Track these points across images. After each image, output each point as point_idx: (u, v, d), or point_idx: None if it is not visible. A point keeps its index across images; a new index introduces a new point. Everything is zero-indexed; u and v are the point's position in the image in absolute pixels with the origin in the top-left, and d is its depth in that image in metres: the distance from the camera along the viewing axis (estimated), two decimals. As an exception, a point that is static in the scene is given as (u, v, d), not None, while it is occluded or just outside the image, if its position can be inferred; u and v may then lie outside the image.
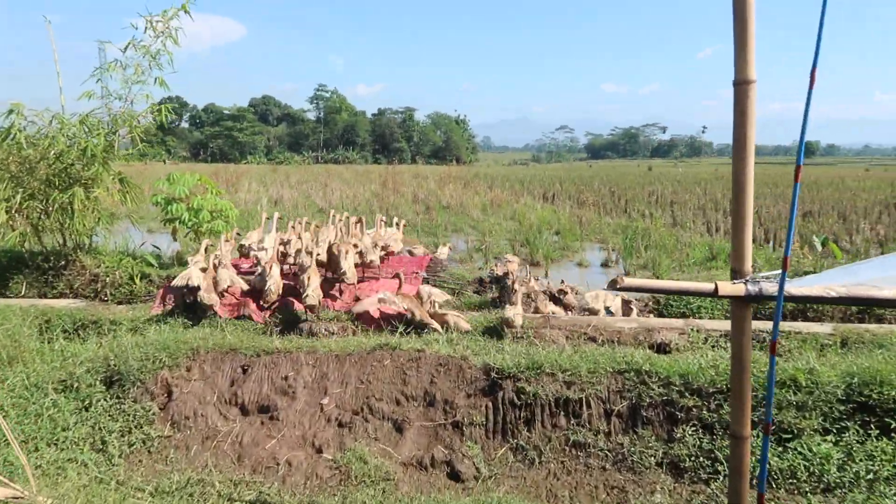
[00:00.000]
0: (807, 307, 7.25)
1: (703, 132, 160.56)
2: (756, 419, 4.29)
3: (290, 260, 6.93)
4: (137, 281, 8.79)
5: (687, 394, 4.54)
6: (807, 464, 4.14)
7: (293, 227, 8.19)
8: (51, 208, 8.61)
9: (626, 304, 8.04)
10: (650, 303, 7.95)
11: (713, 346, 5.72)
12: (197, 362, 5.25)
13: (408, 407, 4.82)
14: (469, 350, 5.25)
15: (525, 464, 4.47)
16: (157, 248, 10.45)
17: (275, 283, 6.12)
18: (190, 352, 5.30)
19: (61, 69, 9.49)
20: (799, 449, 4.21)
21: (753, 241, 14.71)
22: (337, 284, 6.59)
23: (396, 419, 4.75)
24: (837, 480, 4.02)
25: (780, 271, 2.97)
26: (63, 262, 8.92)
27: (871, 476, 3.99)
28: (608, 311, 7.18)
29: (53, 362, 5.33)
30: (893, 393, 4.32)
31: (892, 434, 4.22)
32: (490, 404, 4.73)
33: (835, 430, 4.30)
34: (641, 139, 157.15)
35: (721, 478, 4.13)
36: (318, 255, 6.41)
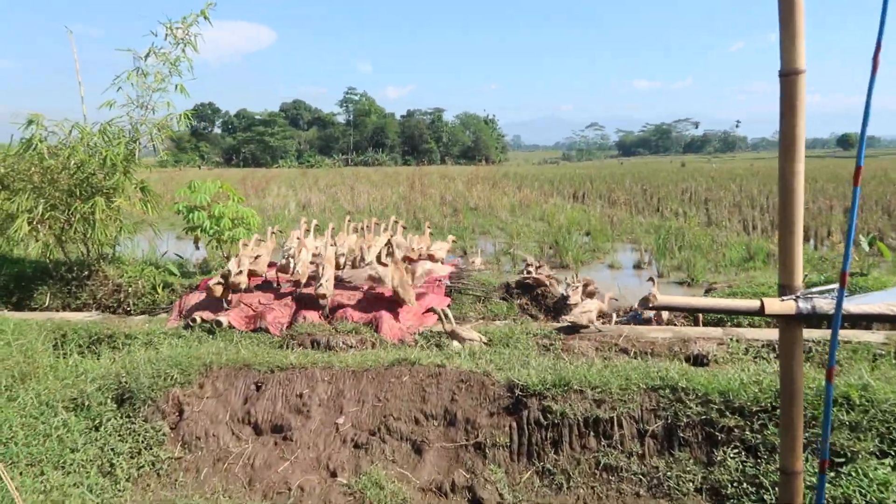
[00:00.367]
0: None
1: (736, 127, 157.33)
2: (806, 440, 3.91)
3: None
4: (160, 291, 8.71)
5: (728, 413, 4.18)
6: (862, 491, 3.76)
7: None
8: (73, 218, 8.57)
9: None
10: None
11: (755, 358, 5.35)
12: (210, 379, 5.06)
13: (427, 426, 4.55)
14: (492, 365, 4.96)
15: (552, 489, 4.17)
16: (180, 256, 10.38)
17: (302, 265, 5.98)
18: (203, 368, 5.11)
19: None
20: (853, 475, 3.82)
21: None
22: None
23: (415, 440, 4.49)
24: (898, 510, 3.64)
25: (834, 285, 2.63)
26: (86, 273, 8.89)
27: (937, 506, 3.60)
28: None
29: (66, 379, 5.19)
30: (960, 412, 3.91)
31: (960, 458, 3.82)
32: (514, 424, 4.43)
33: (893, 454, 3.91)
34: (674, 135, 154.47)
35: (768, 506, 3.78)
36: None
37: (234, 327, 6.07)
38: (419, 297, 6.26)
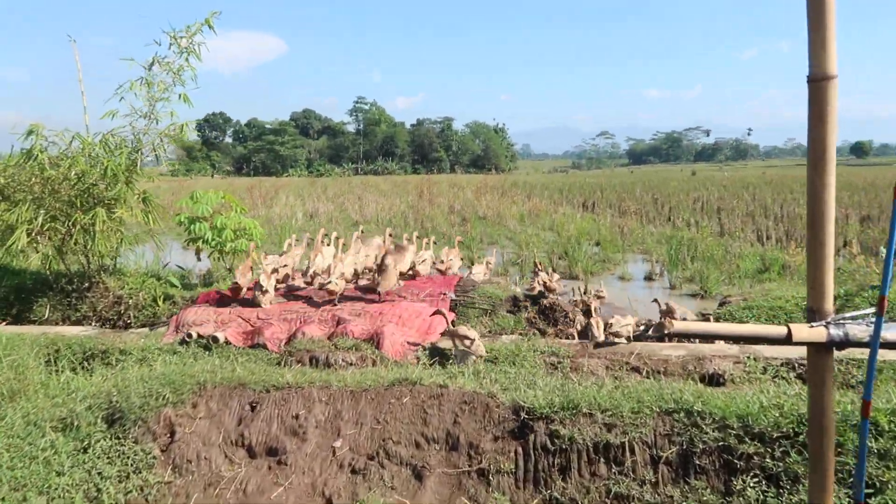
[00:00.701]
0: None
1: (748, 135, 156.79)
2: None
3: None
4: (161, 303, 8.55)
5: (747, 438, 3.93)
6: (894, 525, 3.50)
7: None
8: (73, 230, 8.44)
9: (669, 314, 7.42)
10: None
11: (774, 378, 5.09)
12: (203, 398, 4.86)
13: (428, 451, 4.33)
14: (497, 385, 4.73)
15: (560, 519, 3.93)
16: (182, 267, 10.23)
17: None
18: (196, 386, 4.92)
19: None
20: (884, 507, 3.57)
21: (803, 248, 13.78)
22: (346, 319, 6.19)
23: (416, 465, 4.26)
24: (933, 547, 3.38)
25: (869, 311, 2.40)
26: (87, 285, 8.75)
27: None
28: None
29: (56, 398, 5.02)
30: None
31: None
32: (520, 449, 4.20)
33: (927, 484, 3.65)
34: (684, 143, 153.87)
35: (790, 540, 3.53)
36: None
37: (230, 343, 5.88)
38: (421, 311, 6.05)
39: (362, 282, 7.97)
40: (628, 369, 5.21)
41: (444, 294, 6.94)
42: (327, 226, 19.85)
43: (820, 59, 2.19)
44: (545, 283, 9.57)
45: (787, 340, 2.28)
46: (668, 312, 7.94)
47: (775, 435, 3.91)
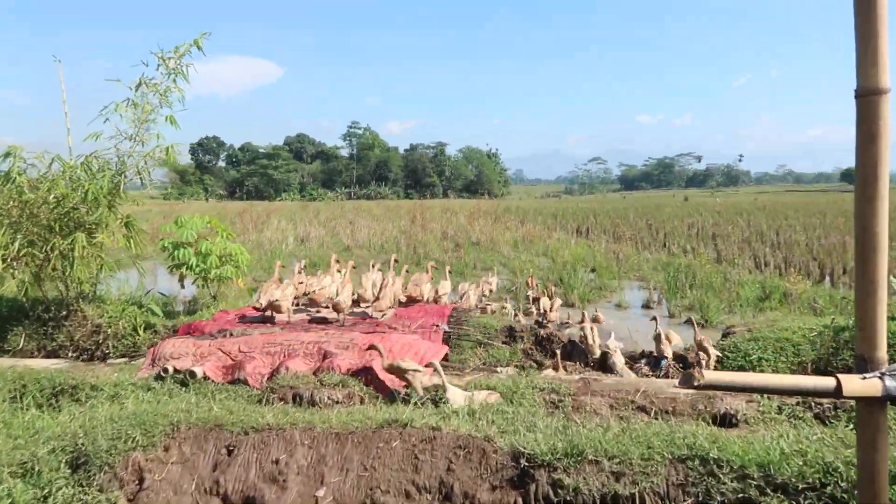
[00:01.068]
0: None
1: (739, 161, 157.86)
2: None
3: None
4: (141, 332, 8.19)
5: (769, 489, 3.58)
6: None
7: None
8: (51, 255, 8.09)
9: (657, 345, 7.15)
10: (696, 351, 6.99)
11: (790, 418, 4.77)
12: (176, 441, 4.48)
13: (420, 501, 3.96)
14: (494, 427, 4.38)
15: (564, 579, 3.57)
16: (164, 294, 9.86)
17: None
18: (169, 428, 4.54)
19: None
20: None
21: (807, 275, 13.52)
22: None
23: (406, 517, 3.89)
24: None
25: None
26: (64, 313, 8.38)
27: None
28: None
29: (18, 439, 4.63)
30: None
31: None
32: (520, 500, 3.84)
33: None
34: (676, 169, 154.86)
35: None
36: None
37: (209, 378, 5.51)
38: (412, 345, 5.71)
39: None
40: (634, 408, 4.87)
41: (437, 326, 6.60)
42: (318, 251, 19.52)
43: (869, 71, 1.92)
44: (545, 310, 9.27)
45: (837, 394, 1.97)
46: (660, 338, 7.65)
47: (800, 486, 3.56)
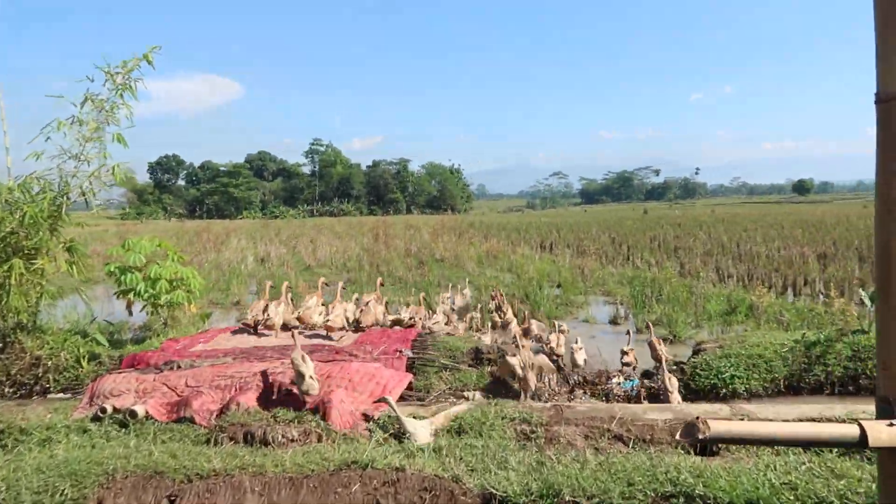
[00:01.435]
0: None
1: (696, 174, 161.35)
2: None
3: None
4: (85, 364, 7.65)
5: (759, 528, 3.35)
6: None
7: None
8: (-16, 283, 7.52)
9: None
10: (662, 367, 6.79)
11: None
12: (111, 492, 4.03)
13: (382, 552, 3.60)
14: (463, 464, 4.05)
15: None
16: (111, 322, 9.30)
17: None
18: (104, 477, 4.09)
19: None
20: None
21: (770, 287, 13.55)
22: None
23: (367, 571, 3.53)
24: None
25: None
26: (0, 345, 7.79)
27: None
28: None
29: (-68, 495, 4.13)
30: None
31: None
32: (492, 548, 3.52)
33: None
34: (635, 182, 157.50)
35: None
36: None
37: (152, 418, 5.06)
38: (374, 374, 5.35)
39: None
40: (610, 437, 4.60)
41: (401, 352, 6.25)
42: (278, 270, 18.98)
43: (893, 75, 1.68)
44: (516, 334, 8.97)
45: (861, 444, 1.71)
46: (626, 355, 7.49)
47: (792, 523, 3.33)
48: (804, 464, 3.79)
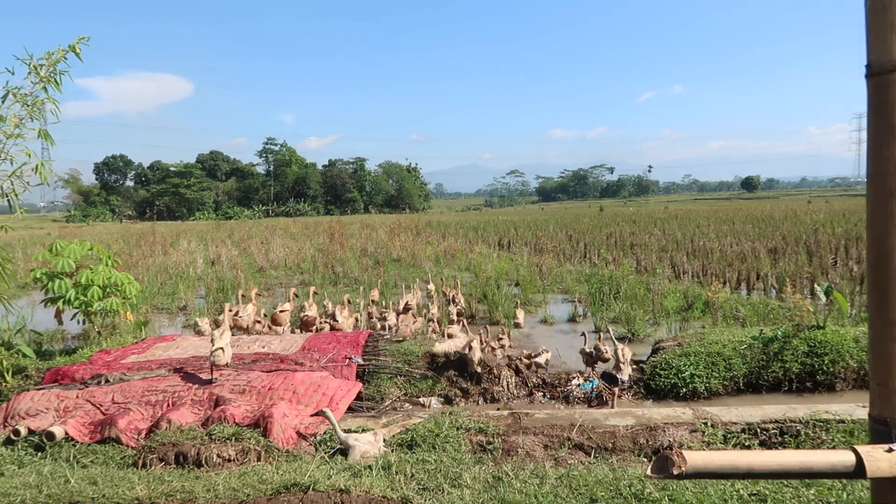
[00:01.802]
0: None
1: (649, 172, 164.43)
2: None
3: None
4: (9, 378, 7.08)
5: (729, 545, 3.13)
6: None
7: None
8: None
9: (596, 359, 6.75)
10: (621, 366, 6.62)
11: (736, 447, 4.37)
12: (19, 527, 3.59)
13: (324, 586, 3.27)
14: (414, 483, 3.74)
15: None
16: (38, 332, 8.68)
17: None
18: (11, 510, 3.65)
19: None
20: None
21: (724, 282, 13.61)
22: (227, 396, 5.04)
23: None
24: None
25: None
26: (-89, 361, 7.15)
27: None
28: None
29: None
30: None
31: None
32: (445, 576, 3.22)
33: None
34: (590, 180, 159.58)
35: None
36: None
37: (73, 439, 4.60)
38: (319, 385, 4.98)
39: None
40: (571, 447, 4.34)
41: (350, 359, 5.89)
42: (229, 273, 18.31)
43: (885, 45, 1.43)
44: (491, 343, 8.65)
45: (858, 474, 1.46)
46: (594, 357, 7.29)
47: (763, 538, 3.12)
48: (773, 472, 3.60)
